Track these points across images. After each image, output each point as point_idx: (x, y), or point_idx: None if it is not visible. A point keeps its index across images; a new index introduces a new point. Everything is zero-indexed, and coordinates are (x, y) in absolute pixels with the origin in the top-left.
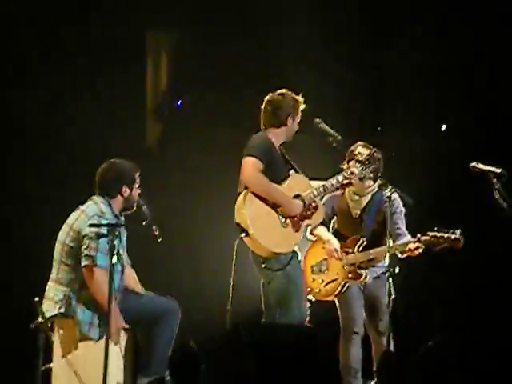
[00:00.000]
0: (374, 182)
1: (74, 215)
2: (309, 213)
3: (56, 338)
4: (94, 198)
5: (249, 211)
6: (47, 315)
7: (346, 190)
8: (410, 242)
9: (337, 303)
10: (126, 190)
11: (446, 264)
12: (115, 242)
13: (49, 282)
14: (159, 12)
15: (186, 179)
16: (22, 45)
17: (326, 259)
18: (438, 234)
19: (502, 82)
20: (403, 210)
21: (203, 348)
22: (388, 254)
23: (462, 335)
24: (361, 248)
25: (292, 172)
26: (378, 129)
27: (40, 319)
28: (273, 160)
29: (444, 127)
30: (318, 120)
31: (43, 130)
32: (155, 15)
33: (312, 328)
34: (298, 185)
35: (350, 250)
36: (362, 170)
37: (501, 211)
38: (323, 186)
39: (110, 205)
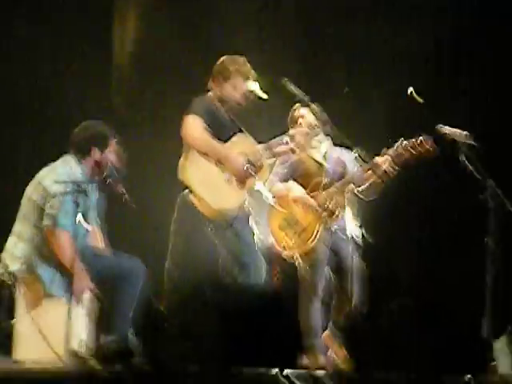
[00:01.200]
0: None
1: (43, 171)
2: (254, 170)
3: (19, 294)
4: (66, 156)
5: (192, 168)
6: (9, 269)
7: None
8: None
9: (299, 263)
10: (95, 152)
11: (414, 226)
12: (80, 201)
13: (11, 237)
14: None
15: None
16: None
17: (292, 212)
18: (405, 143)
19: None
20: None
21: (166, 307)
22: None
23: (425, 298)
24: (325, 188)
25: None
26: (346, 89)
27: (1, 272)
28: (214, 119)
29: (411, 90)
30: (285, 79)
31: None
32: None
33: (275, 287)
34: (242, 144)
35: (316, 193)
36: (309, 136)
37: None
38: (267, 144)
39: (80, 164)
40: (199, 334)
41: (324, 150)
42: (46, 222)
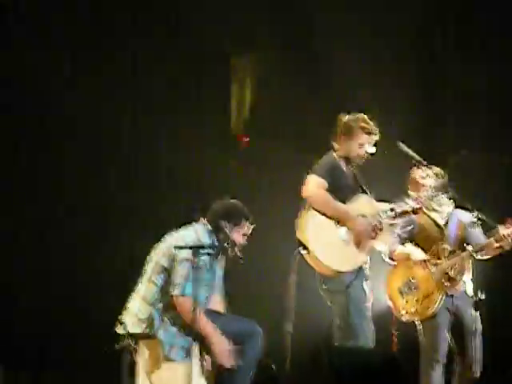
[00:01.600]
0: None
1: (171, 237)
2: (373, 234)
3: (140, 358)
4: (197, 224)
5: (310, 227)
6: (131, 331)
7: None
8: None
9: (420, 328)
10: (226, 227)
11: None
12: (205, 268)
13: (134, 298)
14: (242, 36)
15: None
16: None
17: (413, 277)
18: None
19: None
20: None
21: (283, 370)
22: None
23: None
24: (447, 254)
25: (360, 193)
26: (463, 152)
27: (122, 332)
28: (337, 179)
29: None
30: (401, 143)
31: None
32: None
33: (393, 351)
34: (363, 205)
35: (439, 260)
36: (431, 198)
37: None
38: (391, 208)
39: (210, 234)
40: None
41: (445, 214)
42: (173, 291)
